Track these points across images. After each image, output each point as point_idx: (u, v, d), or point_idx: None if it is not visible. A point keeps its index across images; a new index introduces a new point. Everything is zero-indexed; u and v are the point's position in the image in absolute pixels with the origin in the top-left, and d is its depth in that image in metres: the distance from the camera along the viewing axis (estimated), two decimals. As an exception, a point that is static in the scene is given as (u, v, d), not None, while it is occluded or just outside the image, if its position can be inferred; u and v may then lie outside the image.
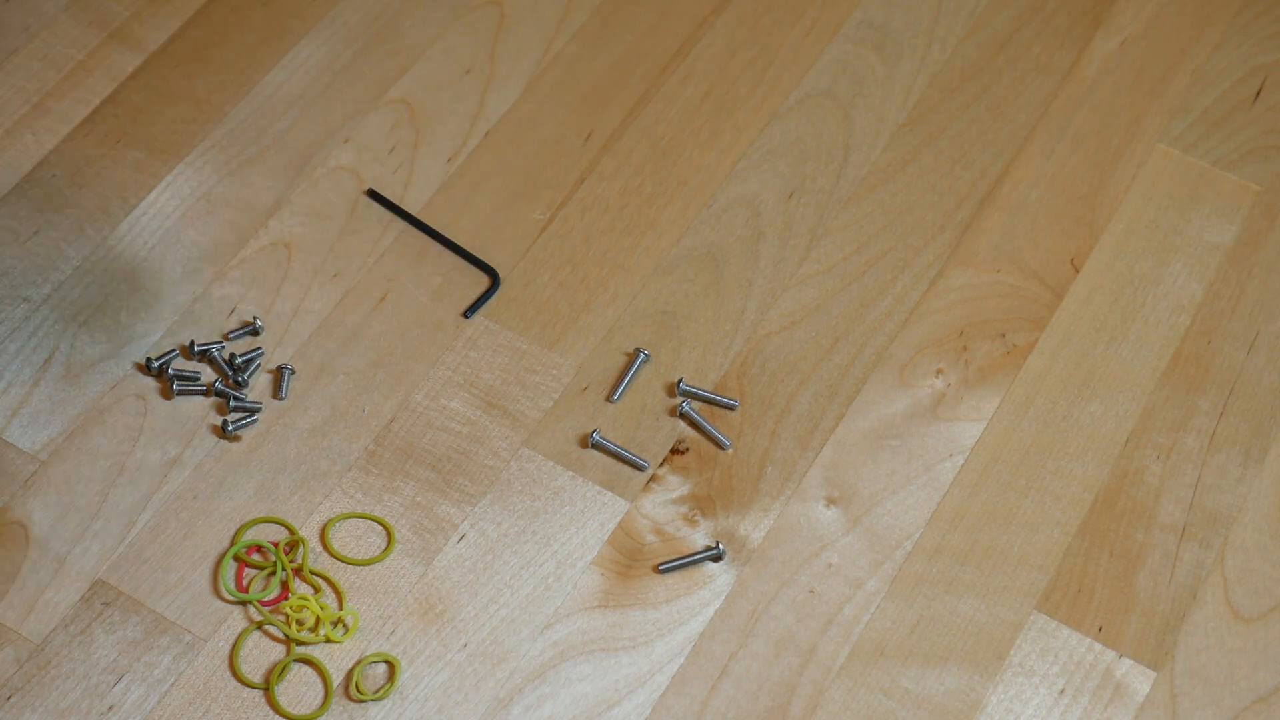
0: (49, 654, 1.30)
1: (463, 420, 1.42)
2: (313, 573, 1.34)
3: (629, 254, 1.51)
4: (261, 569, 1.34)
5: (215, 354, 1.43)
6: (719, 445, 1.41)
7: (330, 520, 1.37)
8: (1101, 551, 1.38)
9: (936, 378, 1.45)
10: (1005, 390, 1.45)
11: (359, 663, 1.31)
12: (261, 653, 1.31)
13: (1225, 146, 1.58)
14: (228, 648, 1.31)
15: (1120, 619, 1.35)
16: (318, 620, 1.32)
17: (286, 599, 1.33)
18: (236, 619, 1.32)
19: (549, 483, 1.39)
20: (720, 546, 1.36)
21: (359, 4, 1.63)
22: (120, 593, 1.33)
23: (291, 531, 1.36)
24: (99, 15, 1.60)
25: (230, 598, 1.33)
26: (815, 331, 1.47)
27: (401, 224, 1.52)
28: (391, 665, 1.31)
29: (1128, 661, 1.34)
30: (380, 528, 1.37)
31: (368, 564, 1.35)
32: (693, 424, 1.42)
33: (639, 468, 1.40)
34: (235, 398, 1.40)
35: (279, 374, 1.43)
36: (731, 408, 1.43)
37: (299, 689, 1.30)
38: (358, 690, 1.30)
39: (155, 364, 1.42)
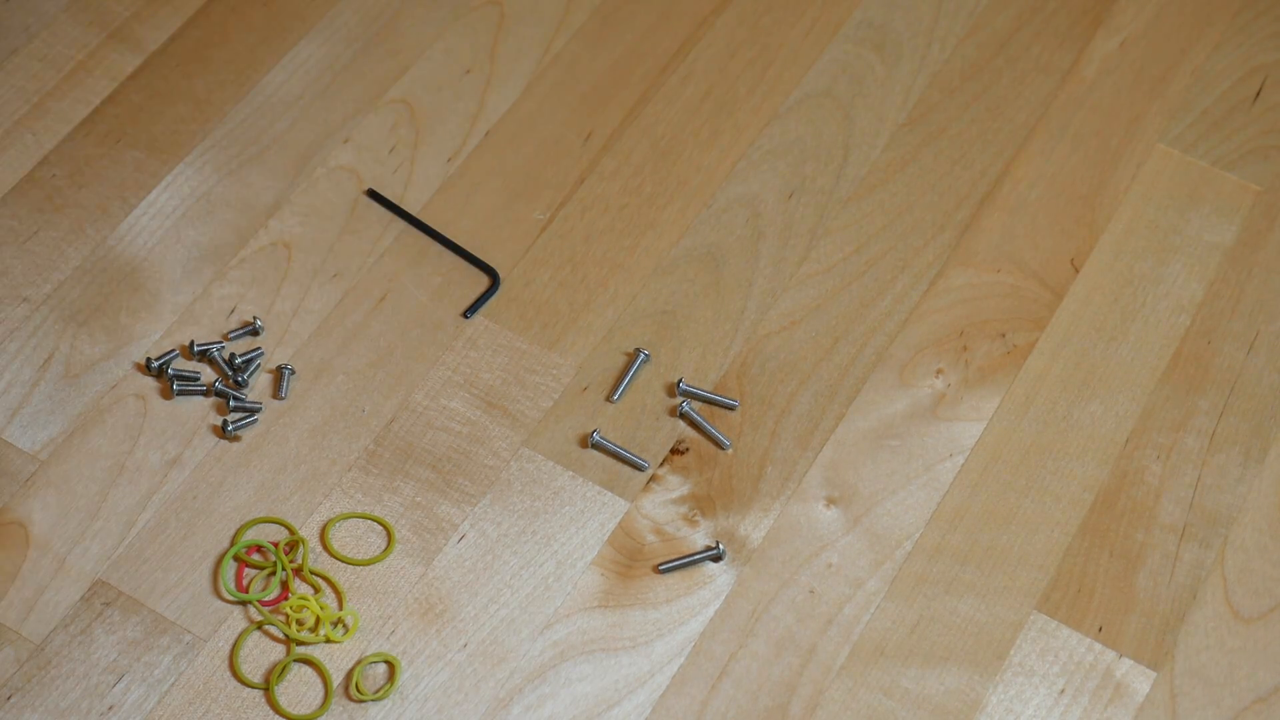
0: (49, 654, 1.30)
1: (463, 420, 1.42)
2: (313, 573, 1.34)
3: (629, 254, 1.51)
4: (261, 569, 1.34)
5: (215, 354, 1.43)
6: (719, 445, 1.41)
7: (330, 520, 1.37)
8: (1101, 551, 1.38)
9: (936, 378, 1.45)
10: (1005, 390, 1.45)
11: (359, 663, 1.31)
12: (261, 653, 1.31)
13: (1225, 146, 1.58)
14: (228, 648, 1.31)
15: (1120, 619, 1.35)
16: (318, 620, 1.32)
17: (286, 599, 1.33)
18: (236, 619, 1.32)
19: (549, 483, 1.39)
20: (720, 546, 1.36)
21: (359, 4, 1.63)
22: (120, 593, 1.33)
23: (291, 531, 1.36)
24: (99, 15, 1.60)
25: (230, 598, 1.33)
26: (815, 331, 1.47)
27: (401, 224, 1.52)
28: (391, 665, 1.31)
29: (1128, 661, 1.34)
30: (380, 528, 1.37)
31: (368, 564, 1.35)
32: (693, 424, 1.42)
33: (639, 468, 1.40)
34: (235, 398, 1.40)
35: (279, 374, 1.43)
36: (731, 408, 1.43)
37: (299, 689, 1.30)
38: (358, 690, 1.30)
39: (155, 364, 1.42)
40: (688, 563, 1.36)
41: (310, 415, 1.41)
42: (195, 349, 1.43)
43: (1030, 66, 1.62)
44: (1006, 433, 1.43)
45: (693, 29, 1.64)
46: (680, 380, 1.43)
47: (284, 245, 1.50)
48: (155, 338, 1.44)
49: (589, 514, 1.38)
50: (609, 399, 1.43)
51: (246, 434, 1.40)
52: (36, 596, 1.32)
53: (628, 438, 1.41)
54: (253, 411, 1.41)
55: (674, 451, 1.41)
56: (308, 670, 1.31)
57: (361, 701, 1.30)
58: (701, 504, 1.39)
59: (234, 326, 1.45)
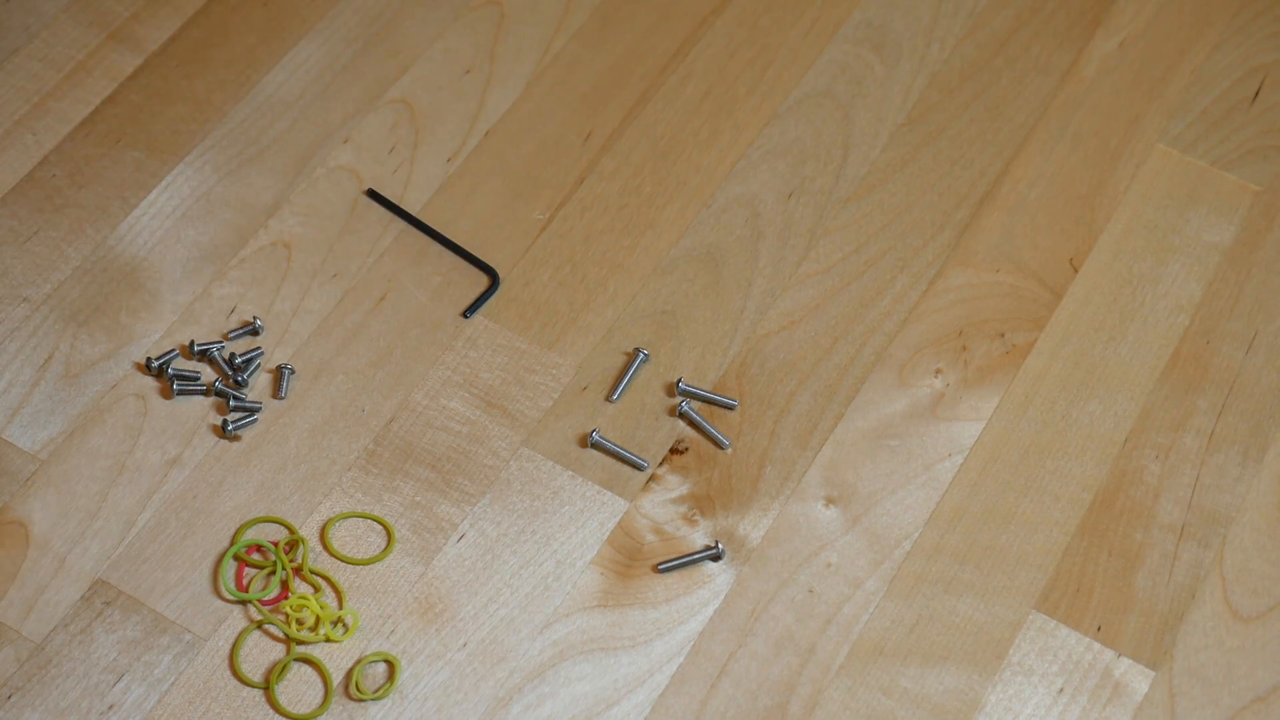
0: (49, 653, 1.30)
1: (462, 420, 1.42)
2: (313, 572, 1.34)
3: (628, 254, 1.51)
4: (261, 568, 1.34)
5: (215, 354, 1.43)
6: (718, 445, 1.41)
7: (330, 520, 1.37)
8: (1100, 551, 1.38)
9: (935, 377, 1.46)
10: (1004, 390, 1.45)
11: (359, 662, 1.31)
12: (261, 652, 1.31)
13: (1224, 146, 1.58)
14: (228, 647, 1.31)
15: (1119, 618, 1.35)
16: (318, 620, 1.32)
17: (286, 598, 1.33)
18: (236, 618, 1.33)
19: (549, 482, 1.39)
20: (719, 546, 1.36)
21: (359, 4, 1.63)
22: (120, 592, 1.33)
23: (291, 531, 1.36)
24: (99, 15, 1.61)
25: (230, 597, 1.33)
26: (814, 331, 1.47)
27: (401, 224, 1.52)
28: (391, 665, 1.31)
29: (1126, 661, 1.34)
30: (380, 527, 1.37)
31: (367, 564, 1.35)
32: (692, 424, 1.42)
33: (638, 467, 1.40)
34: (235, 398, 1.40)
35: (279, 374, 1.43)
36: (731, 407, 1.43)
37: (299, 688, 1.30)
38: (358, 690, 1.30)
39: (155, 364, 1.42)
40: (687, 562, 1.36)
41: (310, 415, 1.41)
42: (195, 349, 1.43)
43: (1030, 66, 1.62)
44: (1005, 432, 1.43)
45: (692, 29, 1.64)
46: (680, 380, 1.43)
47: (284, 245, 1.50)
48: (155, 338, 1.44)
49: (588, 513, 1.38)
50: (608, 399, 1.43)
51: (246, 434, 1.40)
52: (36, 596, 1.32)
53: (627, 437, 1.41)
54: (253, 411, 1.41)
55: (673, 451, 1.41)
56: (308, 670, 1.31)
57: (361, 701, 1.30)
58: (701, 504, 1.39)
59: (234, 326, 1.45)
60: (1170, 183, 1.56)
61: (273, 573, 1.34)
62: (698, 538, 1.38)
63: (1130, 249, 1.52)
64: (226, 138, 1.55)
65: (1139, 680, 1.33)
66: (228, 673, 1.30)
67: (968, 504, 1.40)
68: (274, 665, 1.31)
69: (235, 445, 1.40)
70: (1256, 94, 1.61)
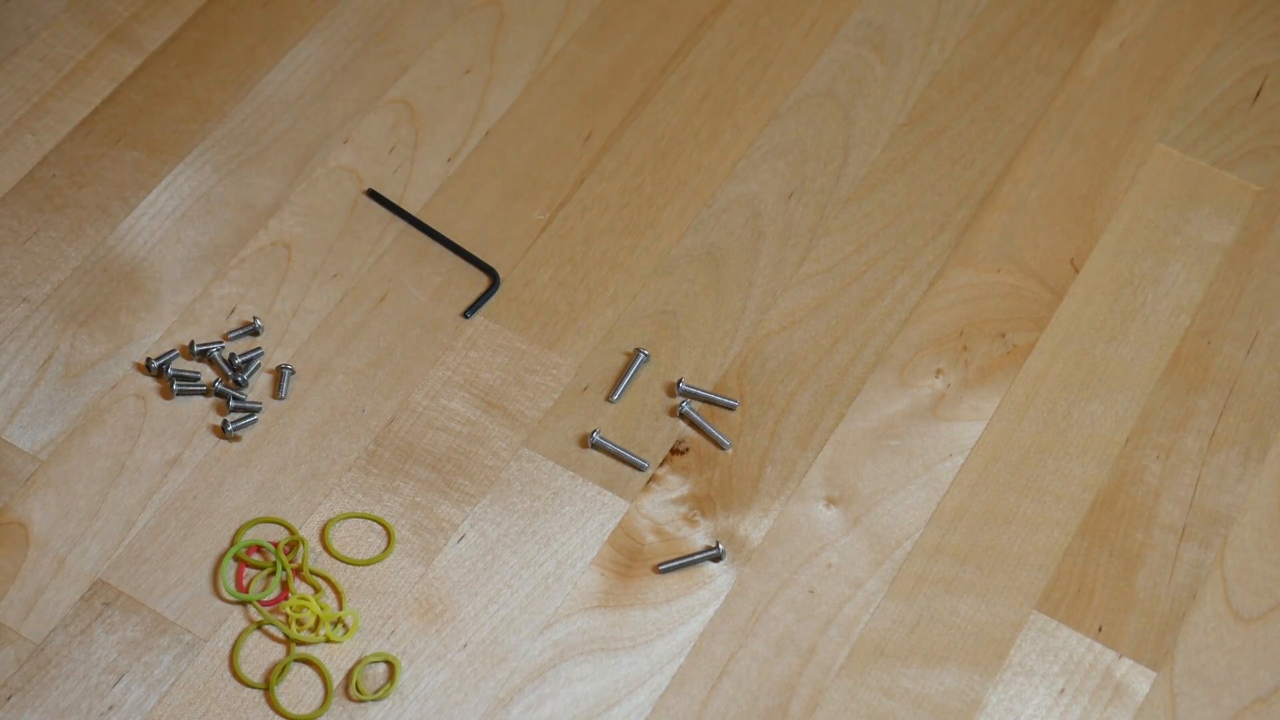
0: (49, 654, 1.30)
1: (462, 420, 1.42)
2: (313, 573, 1.34)
3: (629, 254, 1.51)
4: (261, 569, 1.34)
5: (215, 354, 1.43)
6: (719, 445, 1.41)
7: (330, 520, 1.37)
8: (1101, 551, 1.38)
9: (936, 378, 1.45)
10: (1005, 390, 1.45)
11: (359, 663, 1.31)
12: (261, 653, 1.31)
13: (1225, 146, 1.58)
14: (228, 648, 1.31)
15: (1120, 619, 1.35)
16: (318, 620, 1.32)
17: (286, 599, 1.33)
18: (236, 619, 1.32)
19: (549, 483, 1.39)
20: (720, 546, 1.36)
21: (359, 4, 1.63)
22: (120, 593, 1.33)
23: (291, 531, 1.36)
24: (99, 15, 1.60)
25: (230, 598, 1.33)
26: (815, 331, 1.47)
27: (401, 224, 1.52)
28: (391, 665, 1.31)
29: (1127, 661, 1.34)
30: (380, 528, 1.37)
31: (368, 564, 1.35)
32: (693, 424, 1.42)
33: (639, 468, 1.40)
34: (235, 398, 1.40)
35: (279, 374, 1.43)
36: (731, 408, 1.43)
37: (299, 689, 1.30)
38: (358, 690, 1.30)
39: (155, 364, 1.42)
40: (687, 563, 1.36)
41: (310, 415, 1.41)
42: (195, 349, 1.43)
43: (1030, 66, 1.62)
44: (1006, 433, 1.43)
45: (693, 29, 1.64)
46: (680, 380, 1.43)
47: (284, 245, 1.50)
48: (155, 338, 1.44)
49: (589, 514, 1.38)
50: (609, 399, 1.43)
51: (246, 434, 1.40)
52: (36, 596, 1.32)
53: (627, 438, 1.41)
54: (253, 411, 1.41)
55: (674, 451, 1.41)
56: (308, 670, 1.31)
57: (361, 701, 1.30)
58: (701, 504, 1.39)
59: (234, 326, 1.45)
60: (1171, 183, 1.56)
61: (273, 573, 1.34)
62: (698, 538, 1.38)
63: (1131, 249, 1.52)
64: (226, 138, 1.55)
65: (1140, 681, 1.33)
66: (228, 673, 1.30)
67: (968, 504, 1.40)
68: (274, 666, 1.31)
69: (235, 445, 1.40)
70: (1257, 94, 1.61)
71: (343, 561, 1.35)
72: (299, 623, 1.32)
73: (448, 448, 1.40)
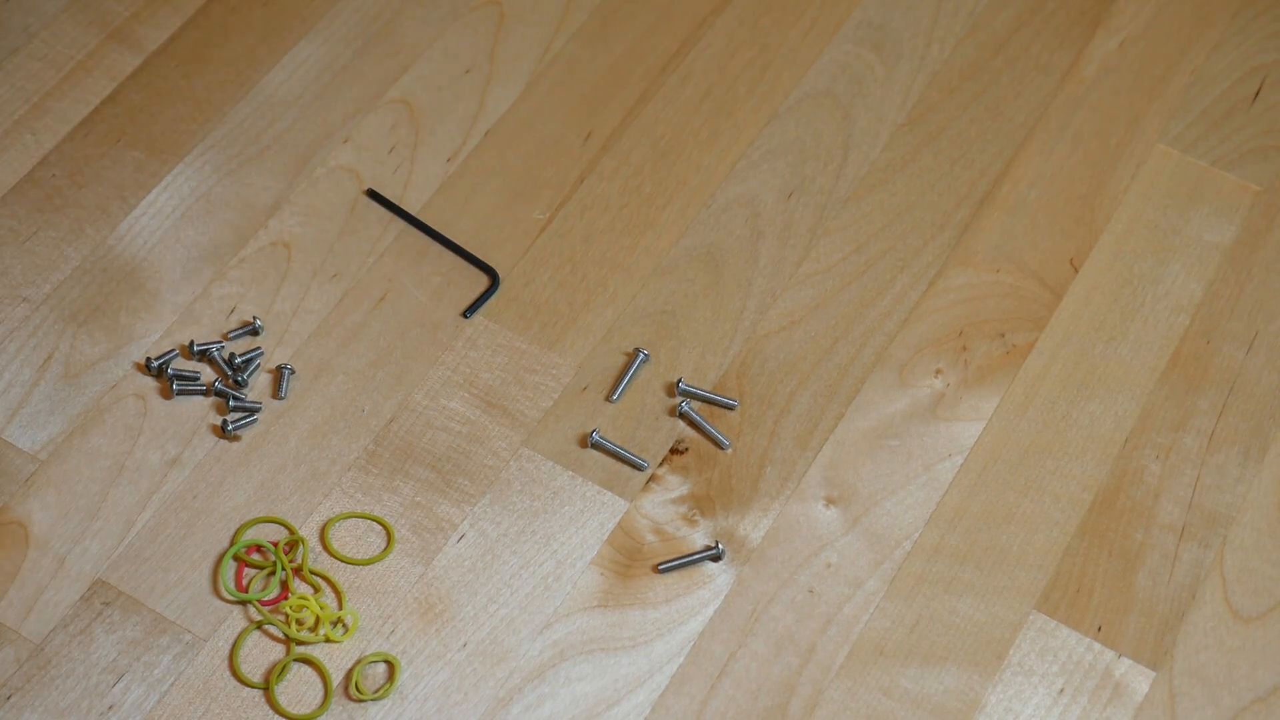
0: (49, 654, 1.30)
1: (462, 420, 1.42)
2: (312, 572, 1.34)
3: (629, 254, 1.51)
4: (261, 569, 1.34)
5: (215, 354, 1.43)
6: (718, 445, 1.41)
7: (330, 520, 1.37)
8: (1101, 551, 1.38)
9: (936, 378, 1.45)
10: (1004, 390, 1.45)
11: (359, 662, 1.31)
12: (261, 652, 1.31)
13: (1224, 146, 1.58)
14: (228, 647, 1.31)
15: (1119, 619, 1.35)
16: (317, 620, 1.32)
17: (286, 599, 1.33)
18: (236, 619, 1.32)
19: (548, 482, 1.39)
20: (720, 546, 1.36)
21: (359, 4, 1.63)
22: (120, 592, 1.33)
23: (291, 531, 1.36)
24: (99, 15, 1.61)
25: (230, 597, 1.33)
26: (815, 331, 1.47)
27: (401, 224, 1.52)
28: (391, 665, 1.31)
29: (1127, 661, 1.34)
30: (380, 527, 1.37)
31: (367, 564, 1.35)
32: (692, 424, 1.42)
33: (638, 467, 1.40)
34: (235, 398, 1.40)
35: (279, 374, 1.43)
36: (731, 408, 1.43)
37: (299, 689, 1.30)
38: (357, 690, 1.30)
39: (155, 364, 1.42)
40: (687, 562, 1.36)
41: (310, 415, 1.41)
42: (195, 349, 1.43)
43: (1030, 66, 1.62)
44: (1005, 433, 1.43)
45: (692, 29, 1.64)
46: (680, 380, 1.43)
47: (284, 245, 1.50)
48: (155, 338, 1.44)
49: (588, 514, 1.38)
50: (608, 399, 1.43)
51: (246, 434, 1.40)
52: (36, 596, 1.32)
53: (627, 437, 1.41)
54: (252, 411, 1.41)
55: (673, 451, 1.41)
56: (307, 670, 1.31)
57: (361, 701, 1.30)
58: (701, 504, 1.39)
59: (234, 326, 1.45)
60: (1171, 183, 1.56)
61: (272, 573, 1.34)
62: (698, 538, 1.38)
63: (1131, 249, 1.52)
64: (226, 138, 1.55)
65: (1139, 680, 1.33)
66: (227, 673, 1.30)
67: (968, 504, 1.40)
68: (274, 666, 1.31)
69: (235, 445, 1.40)
70: (1257, 94, 1.61)
71: (342, 561, 1.35)
72: (299, 622, 1.32)
73: (447, 447, 1.40)
